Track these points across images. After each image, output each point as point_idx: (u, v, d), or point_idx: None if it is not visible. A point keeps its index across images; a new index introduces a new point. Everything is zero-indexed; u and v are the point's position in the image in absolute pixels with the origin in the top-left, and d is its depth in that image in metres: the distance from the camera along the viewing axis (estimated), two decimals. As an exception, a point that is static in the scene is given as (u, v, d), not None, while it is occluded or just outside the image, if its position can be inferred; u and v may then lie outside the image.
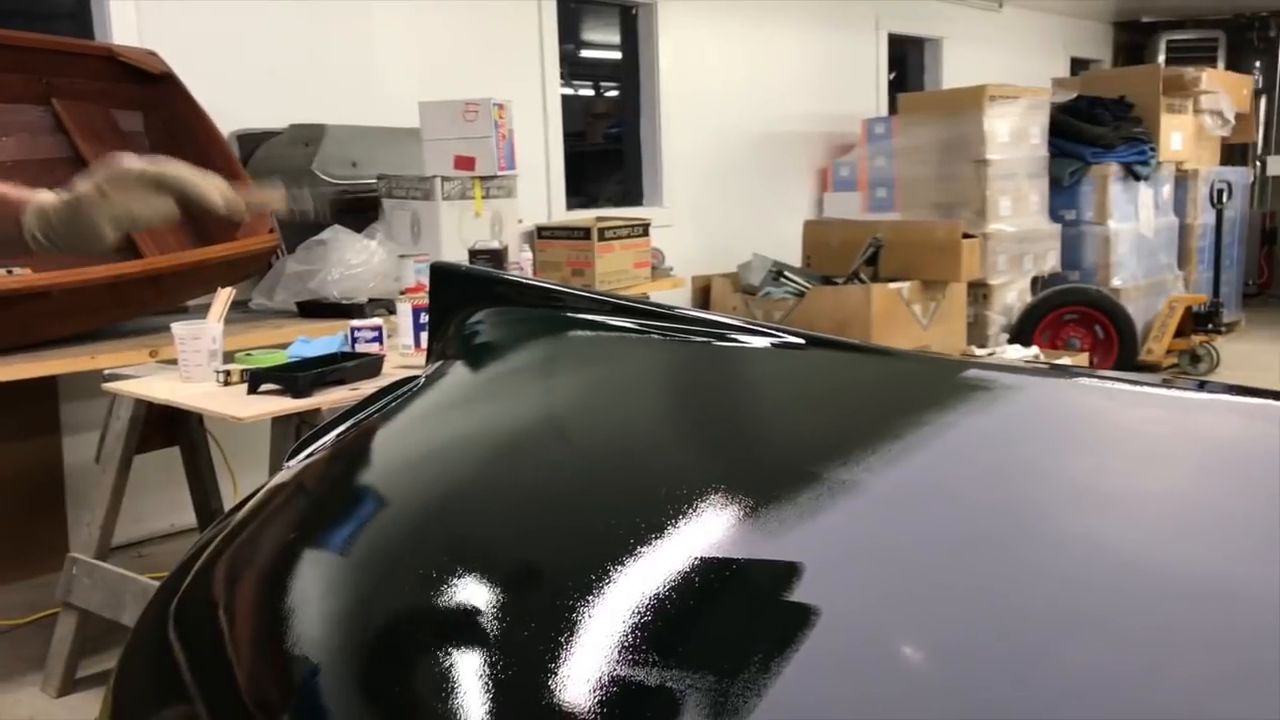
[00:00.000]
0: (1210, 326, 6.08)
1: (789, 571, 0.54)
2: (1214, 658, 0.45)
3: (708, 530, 0.60)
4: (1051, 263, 5.75)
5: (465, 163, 3.55)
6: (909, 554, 0.55)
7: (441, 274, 1.39)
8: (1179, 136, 6.28)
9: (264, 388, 2.14)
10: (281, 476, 1.08)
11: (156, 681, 0.87)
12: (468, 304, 1.29)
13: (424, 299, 2.62)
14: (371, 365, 2.30)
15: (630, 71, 5.45)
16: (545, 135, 4.86)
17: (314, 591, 0.80)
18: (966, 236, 4.97)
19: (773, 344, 0.97)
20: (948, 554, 0.54)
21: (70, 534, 3.22)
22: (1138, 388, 0.74)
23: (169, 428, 2.74)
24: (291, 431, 2.11)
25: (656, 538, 0.60)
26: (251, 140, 3.77)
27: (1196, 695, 0.43)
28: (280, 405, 2.07)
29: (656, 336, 1.07)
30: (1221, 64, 8.27)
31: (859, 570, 0.54)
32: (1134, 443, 0.66)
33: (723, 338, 1.03)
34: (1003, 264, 5.46)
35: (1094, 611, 0.49)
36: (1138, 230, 6.03)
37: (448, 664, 0.60)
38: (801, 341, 0.96)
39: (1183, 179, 6.49)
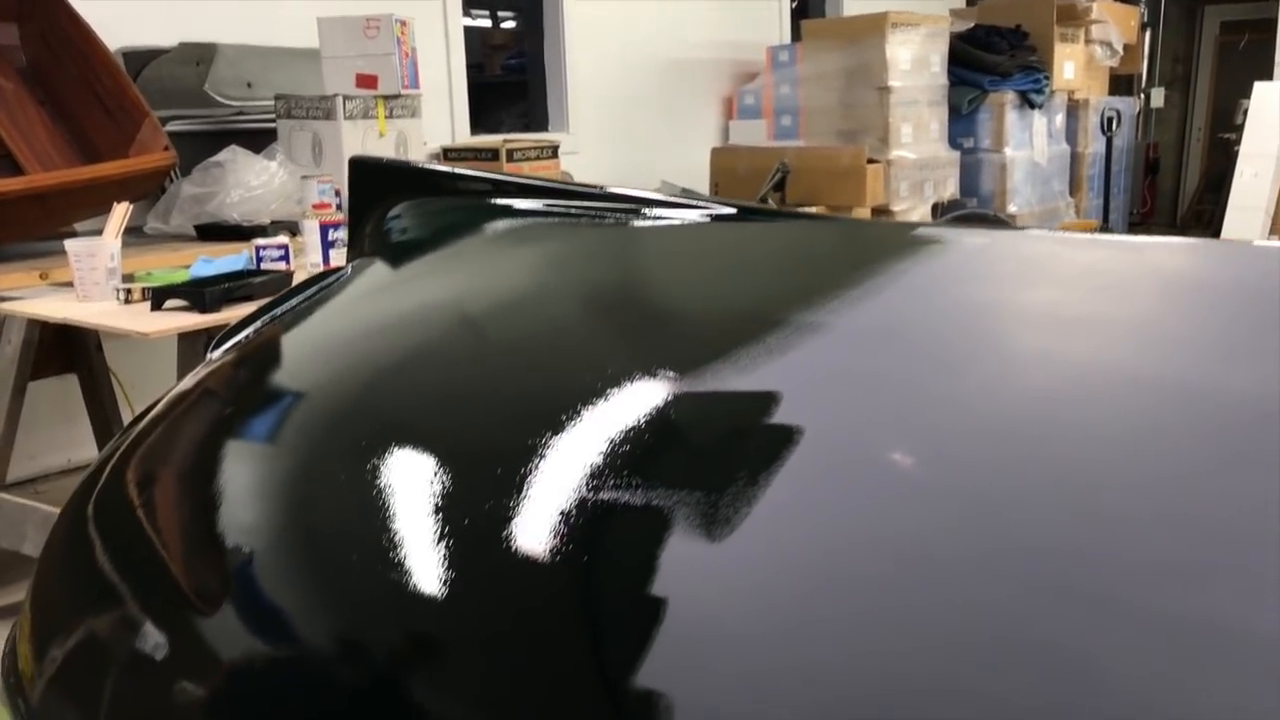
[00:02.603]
0: (1099, 251, 6.29)
1: (767, 399, 0.54)
2: (1179, 446, 0.47)
3: (680, 372, 0.60)
4: (951, 189, 5.87)
5: (367, 81, 3.44)
6: (888, 377, 0.55)
7: (361, 168, 1.34)
8: (1071, 66, 6.43)
9: (168, 304, 2.05)
10: (206, 366, 1.04)
11: (82, 583, 0.83)
12: (389, 197, 1.26)
13: (332, 215, 2.55)
14: (280, 281, 2.23)
15: (533, -4, 5.33)
16: (448, 60, 4.73)
17: (251, 476, 0.77)
18: (870, 162, 5.03)
19: (710, 216, 0.97)
20: (926, 374, 0.55)
21: (-41, 469, 3.07)
22: (1090, 235, 0.76)
23: (64, 354, 2.62)
24: (200, 350, 2.04)
25: (626, 383, 0.59)
26: (138, 59, 3.58)
27: (1170, 481, 0.45)
28: (187, 321, 1.99)
29: (592, 217, 1.06)
30: (1110, -4, 8.47)
31: (839, 394, 0.55)
32: (1091, 278, 0.68)
33: (660, 216, 1.02)
34: (904, 190, 5.55)
35: (1068, 413, 0.50)
36: (1032, 158, 6.19)
37: (397, 538, 0.58)
38: (733, 211, 0.96)
39: (1074, 108, 6.66)
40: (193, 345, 2.06)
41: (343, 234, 2.52)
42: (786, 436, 0.50)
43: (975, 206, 5.91)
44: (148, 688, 0.65)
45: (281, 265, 2.42)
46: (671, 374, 0.60)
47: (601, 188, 1.11)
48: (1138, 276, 0.68)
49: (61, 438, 3.36)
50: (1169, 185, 9.32)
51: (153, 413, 0.97)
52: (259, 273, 2.31)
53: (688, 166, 5.49)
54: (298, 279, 2.33)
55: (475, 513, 0.54)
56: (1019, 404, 0.51)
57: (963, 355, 0.57)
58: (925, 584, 0.42)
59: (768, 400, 0.54)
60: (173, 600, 0.69)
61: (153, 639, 0.66)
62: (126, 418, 3.10)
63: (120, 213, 2.28)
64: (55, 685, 0.73)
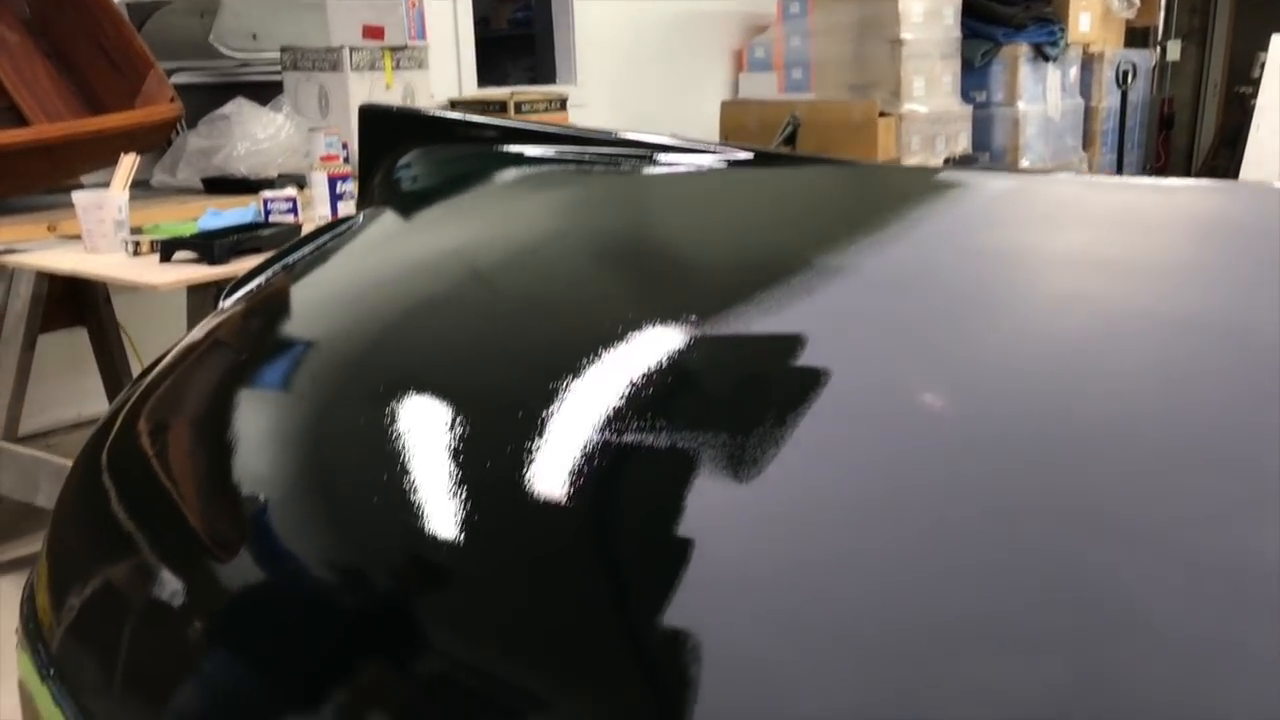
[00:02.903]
0: (1112, 207, 6.22)
1: (793, 341, 0.53)
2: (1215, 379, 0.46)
3: (702, 315, 0.58)
4: (963, 144, 5.80)
5: (374, 32, 3.39)
6: (917, 318, 0.54)
7: (370, 116, 1.32)
8: (1087, 17, 6.33)
9: (177, 256, 2.04)
10: (218, 315, 1.03)
11: (97, 532, 0.83)
12: (399, 145, 1.24)
13: (339, 168, 2.53)
14: (288, 234, 2.21)
15: (540, -55, 5.25)
16: (454, 12, 4.67)
17: (265, 423, 0.76)
18: (882, 116, 4.98)
19: (727, 162, 0.95)
20: (957, 315, 0.54)
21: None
22: (1120, 179, 0.74)
23: (73, 307, 2.61)
24: (209, 303, 2.03)
25: (648, 327, 0.58)
26: (142, 10, 3.54)
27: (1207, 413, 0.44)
28: (197, 273, 1.98)
29: (607, 163, 1.04)
30: (1126, -53, 8.31)
31: (868, 335, 0.54)
32: (1121, 219, 0.67)
33: (676, 162, 1.00)
34: (916, 145, 5.49)
35: (1102, 353, 0.49)
36: (1045, 112, 6.11)
37: (417, 483, 0.57)
38: (750, 156, 0.94)
39: (1089, 61, 6.57)
40: (202, 298, 2.05)
41: (351, 186, 2.50)
42: (814, 378, 0.50)
43: (987, 162, 5.85)
44: (165, 633, 0.64)
45: (290, 218, 2.40)
46: (694, 317, 0.59)
47: (614, 133, 1.09)
48: (1168, 218, 0.67)
49: (71, 392, 3.36)
50: (1183, 141, 9.21)
51: (165, 361, 0.96)
52: (267, 225, 2.30)
53: (697, 120, 5.43)
54: (306, 232, 2.32)
55: (497, 456, 0.53)
56: (1051, 344, 0.50)
57: (993, 296, 0.56)
58: (957, 524, 0.41)
59: (794, 342, 0.53)
60: (188, 547, 0.68)
61: (169, 585, 0.65)
62: (136, 371, 3.10)
63: (127, 164, 2.26)
64: (73, 632, 0.73)
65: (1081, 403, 0.46)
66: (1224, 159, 7.97)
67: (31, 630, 0.76)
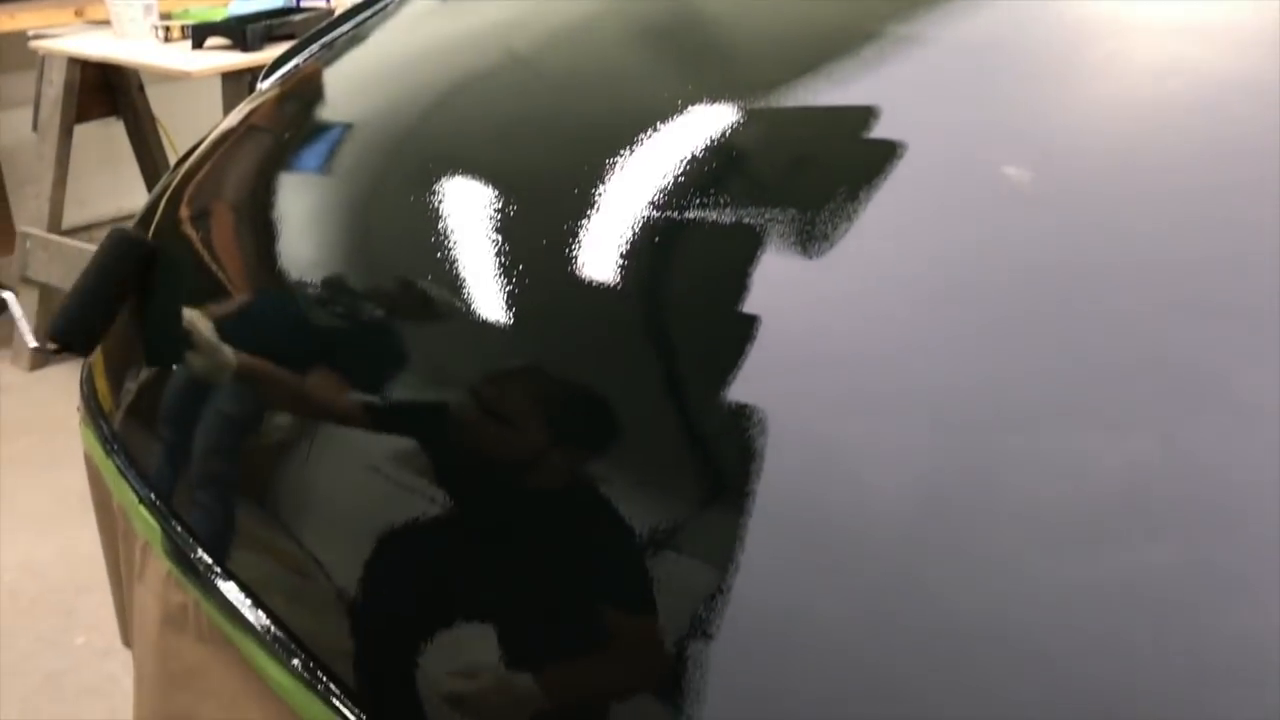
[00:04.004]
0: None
1: (866, 112, 0.50)
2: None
3: (769, 86, 0.55)
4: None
5: None
6: (1002, 88, 0.51)
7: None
8: None
9: (209, 43, 1.99)
10: (257, 96, 1.00)
11: (146, 315, 0.83)
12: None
13: (371, -50, 2.42)
14: (323, 19, 2.14)
15: None
16: None
17: (311, 202, 0.74)
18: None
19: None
20: (1048, 86, 0.50)
21: (15, 213, 3.10)
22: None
23: (107, 96, 2.57)
24: (244, 91, 1.98)
25: (713, 100, 0.55)
26: None
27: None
28: (231, 60, 1.93)
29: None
30: None
31: (947, 105, 0.50)
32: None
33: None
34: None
35: (1199, 125, 0.46)
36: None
37: (472, 261, 0.55)
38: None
39: None
40: (237, 85, 2.01)
41: (383, -30, 2.39)
42: (890, 151, 0.47)
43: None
44: (215, 409, 0.65)
45: (321, 3, 2.32)
46: (758, 90, 0.55)
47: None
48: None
49: (109, 186, 3.36)
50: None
51: (205, 144, 0.94)
52: (299, 10, 2.22)
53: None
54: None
55: (554, 232, 0.51)
56: (1151, 115, 0.47)
57: (1086, 65, 0.52)
58: (1047, 299, 0.39)
59: (867, 114, 0.50)
60: (236, 327, 0.68)
61: (218, 364, 0.66)
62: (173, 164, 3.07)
63: (152, -56, 2.17)
64: (132, 412, 0.75)
65: (1182, 176, 0.43)
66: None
67: (94, 409, 0.78)
